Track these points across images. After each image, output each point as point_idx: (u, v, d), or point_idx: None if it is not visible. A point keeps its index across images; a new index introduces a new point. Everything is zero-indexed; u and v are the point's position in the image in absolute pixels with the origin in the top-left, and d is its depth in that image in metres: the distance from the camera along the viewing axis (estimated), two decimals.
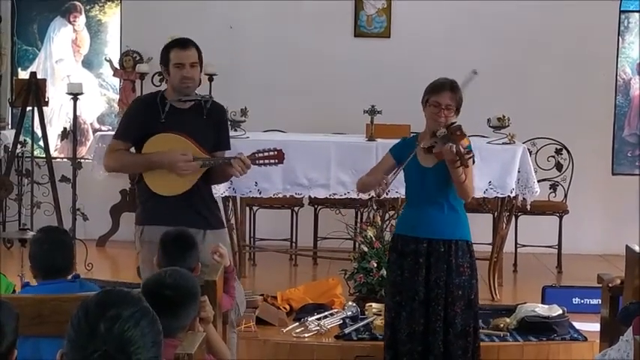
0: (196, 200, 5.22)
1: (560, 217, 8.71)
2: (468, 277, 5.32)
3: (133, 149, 5.34)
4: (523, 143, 7.71)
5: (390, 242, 5.72)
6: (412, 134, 6.24)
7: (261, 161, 5.24)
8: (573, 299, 6.97)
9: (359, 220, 8.32)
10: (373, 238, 7.07)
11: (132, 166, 5.50)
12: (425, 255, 5.29)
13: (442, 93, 5.26)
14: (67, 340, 2.13)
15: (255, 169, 5.35)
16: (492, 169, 7.09)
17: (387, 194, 5.52)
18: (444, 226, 5.31)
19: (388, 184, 5.22)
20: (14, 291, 4.96)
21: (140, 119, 5.28)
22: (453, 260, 5.28)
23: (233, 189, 7.24)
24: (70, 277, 4.37)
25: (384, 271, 6.86)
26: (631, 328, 4.23)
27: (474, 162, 5.30)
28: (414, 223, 5.35)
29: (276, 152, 5.24)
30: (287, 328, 6.29)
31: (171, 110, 5.22)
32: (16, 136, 8.75)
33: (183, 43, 5.27)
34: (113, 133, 9.32)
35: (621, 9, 9.60)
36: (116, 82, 9.80)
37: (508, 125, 7.57)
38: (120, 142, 5.35)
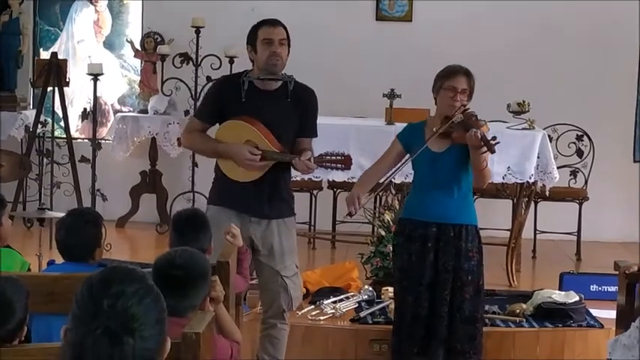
0: (264, 189, 5.15)
1: (580, 204, 8.66)
2: (476, 262, 5.29)
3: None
4: (544, 129, 7.67)
5: (397, 227, 5.69)
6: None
7: (328, 164, 5.17)
8: (591, 286, 6.93)
9: (377, 204, 8.30)
10: (391, 222, 7.05)
11: (202, 150, 5.50)
12: (434, 239, 5.27)
13: (457, 77, 5.25)
14: (71, 316, 2.14)
15: None
16: (511, 155, 7.04)
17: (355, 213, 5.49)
18: (454, 211, 5.28)
19: (360, 206, 5.28)
20: (29, 270, 4.98)
21: (219, 99, 5.22)
22: (462, 245, 5.25)
23: None
24: (94, 262, 4.38)
25: None
26: None
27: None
28: (422, 208, 5.31)
29: (343, 157, 5.16)
30: (302, 311, 6.28)
31: (252, 91, 5.14)
32: (37, 116, 8.79)
33: (272, 21, 5.20)
34: (133, 114, 9.49)
35: None
36: (137, 63, 9.80)
37: (528, 110, 7.52)
38: (197, 122, 5.32)
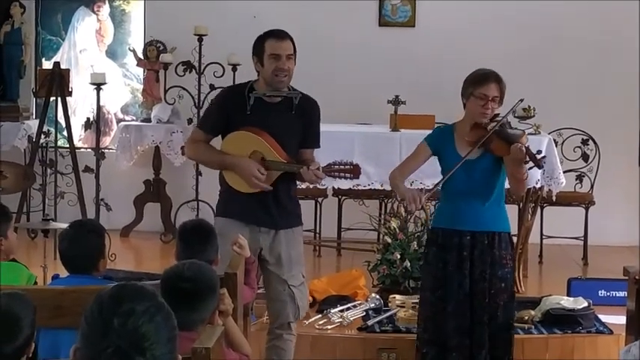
0: (270, 200, 5.11)
1: (587, 208, 8.63)
2: (510, 269, 5.27)
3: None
4: (549, 134, 7.63)
5: (426, 235, 5.65)
6: (441, 124, 6.15)
7: (337, 174, 5.12)
8: (599, 292, 6.89)
9: (383, 211, 8.27)
10: (397, 230, 7.02)
11: (207, 162, 5.47)
12: (469, 248, 5.21)
13: (488, 84, 5.15)
14: (80, 334, 2.11)
15: None
16: None
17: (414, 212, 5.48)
18: (487, 218, 5.23)
19: (423, 203, 5.20)
20: (36, 283, 4.95)
21: (224, 111, 5.17)
22: (496, 252, 5.21)
23: None
24: (100, 275, 4.35)
25: (407, 263, 6.82)
26: None
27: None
28: (456, 216, 5.25)
29: (352, 167, 5.10)
30: (310, 320, 6.25)
31: (257, 104, 5.10)
32: (40, 126, 8.77)
33: (279, 34, 5.12)
34: (137, 123, 9.47)
35: None
36: (140, 72, 9.78)
37: (534, 115, 7.51)
38: (201, 133, 5.28)
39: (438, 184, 5.29)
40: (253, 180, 5.01)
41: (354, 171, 5.11)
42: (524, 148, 4.98)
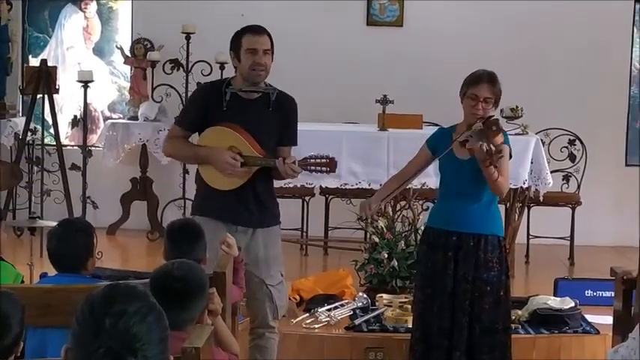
0: (247, 197, 5.10)
1: (573, 209, 8.65)
2: (497, 272, 5.23)
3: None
4: (536, 134, 7.65)
5: (422, 234, 5.66)
6: (428, 124, 6.16)
7: (312, 167, 5.09)
8: (586, 292, 6.91)
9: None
10: (384, 229, 7.02)
11: (183, 157, 5.48)
12: (454, 248, 5.22)
13: (480, 85, 5.16)
14: (71, 335, 2.10)
15: None
16: None
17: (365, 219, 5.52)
18: (475, 220, 5.22)
19: (372, 213, 5.37)
20: (23, 282, 4.93)
21: (201, 107, 5.17)
22: (482, 255, 5.20)
23: None
24: (88, 274, 4.33)
25: (394, 262, 6.83)
26: (638, 325, 4.18)
27: (510, 157, 5.24)
28: (445, 216, 5.28)
29: (328, 160, 5.07)
30: (297, 319, 6.25)
31: (234, 100, 5.09)
32: (27, 123, 8.73)
33: (256, 29, 5.11)
34: (123, 121, 9.44)
35: None
36: (127, 69, 9.76)
37: (521, 116, 7.52)
38: (178, 129, 5.27)
39: (399, 187, 5.36)
40: (227, 167, 5.00)
41: (330, 164, 5.08)
42: (485, 147, 4.93)
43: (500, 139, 5.10)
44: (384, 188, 5.51)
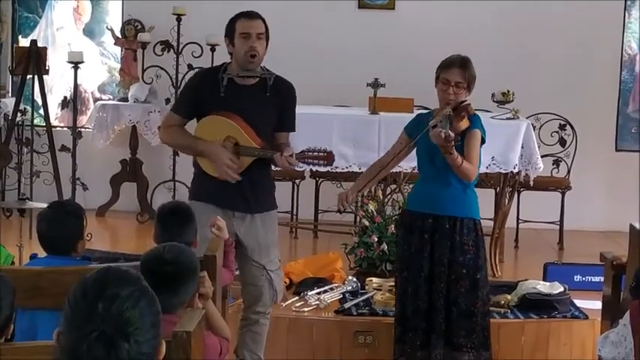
0: (244, 184, 5.08)
1: (563, 193, 8.66)
2: (472, 255, 5.24)
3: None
4: (527, 118, 7.64)
5: (399, 217, 5.67)
6: (427, 111, 6.13)
7: (310, 160, 5.12)
8: (575, 276, 6.93)
9: (360, 194, 8.25)
10: (374, 213, 7.03)
11: (180, 147, 5.49)
12: (430, 231, 5.24)
13: (451, 70, 5.17)
14: (63, 318, 2.09)
15: None
16: (495, 145, 6.98)
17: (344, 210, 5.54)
18: (450, 203, 5.23)
19: (349, 203, 5.36)
20: (13, 263, 4.92)
21: (197, 93, 5.16)
22: (457, 238, 5.21)
23: None
24: (78, 256, 4.33)
25: (384, 246, 6.83)
26: (628, 312, 4.20)
27: (483, 141, 5.23)
28: (421, 199, 5.30)
29: (325, 154, 5.09)
30: (286, 303, 6.25)
31: (231, 86, 5.08)
32: (16, 104, 8.69)
33: (249, 14, 5.11)
34: (114, 102, 9.42)
35: None
36: (117, 51, 9.72)
37: (512, 100, 7.51)
38: (175, 117, 5.25)
39: (377, 175, 5.44)
40: (225, 169, 5.00)
41: (328, 158, 5.10)
42: (443, 133, 4.86)
43: (464, 124, 5.07)
44: (362, 178, 5.51)
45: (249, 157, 5.04)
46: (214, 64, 5.57)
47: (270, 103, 5.12)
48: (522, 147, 7.12)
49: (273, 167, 5.31)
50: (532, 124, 7.53)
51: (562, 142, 9.02)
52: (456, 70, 5.17)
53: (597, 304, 5.67)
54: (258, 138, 5.06)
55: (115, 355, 2.03)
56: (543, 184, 8.39)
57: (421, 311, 5.24)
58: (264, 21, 5.12)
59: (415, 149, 5.34)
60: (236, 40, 5.06)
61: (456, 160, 5.01)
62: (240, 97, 5.08)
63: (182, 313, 3.13)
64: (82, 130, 9.50)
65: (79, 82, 8.96)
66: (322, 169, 6.36)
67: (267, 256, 5.21)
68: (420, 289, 5.24)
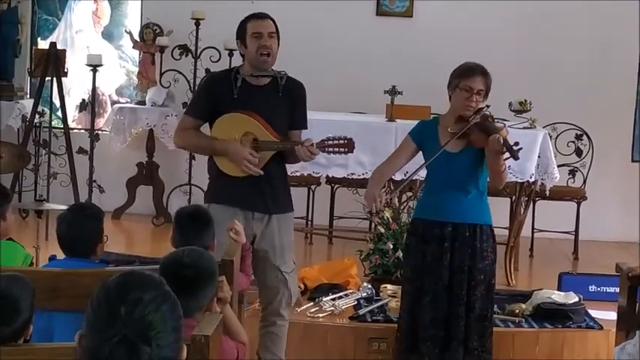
0: (263, 184, 5.10)
1: (579, 203, 8.64)
2: (490, 261, 5.26)
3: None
4: (543, 128, 7.64)
5: (408, 226, 5.66)
6: (432, 116, 6.17)
7: (331, 149, 5.12)
8: (590, 287, 6.91)
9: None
10: (390, 220, 7.03)
11: (197, 148, 5.50)
12: (450, 239, 5.23)
13: (474, 77, 5.16)
14: (85, 322, 2.10)
15: None
16: None
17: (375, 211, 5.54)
18: (470, 210, 5.23)
19: (382, 203, 5.28)
20: (32, 263, 4.95)
21: (211, 96, 5.18)
22: (477, 245, 5.21)
23: None
24: (97, 259, 4.35)
25: (400, 253, 6.82)
26: None
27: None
28: (438, 207, 5.26)
29: (346, 141, 5.10)
30: (301, 308, 6.26)
31: (244, 86, 5.11)
32: (35, 106, 8.74)
33: (259, 14, 5.17)
34: (131, 105, 9.45)
35: None
36: (136, 54, 9.75)
37: (529, 109, 7.51)
38: (190, 120, 5.26)
39: (410, 176, 5.38)
40: (245, 163, 5.01)
41: (348, 145, 5.12)
42: (501, 139, 4.98)
43: (505, 132, 5.12)
44: (378, 179, 5.42)
45: (268, 151, 5.06)
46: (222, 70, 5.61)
47: (282, 103, 5.16)
48: (539, 156, 7.12)
49: (289, 166, 5.34)
50: (548, 134, 7.53)
51: (578, 152, 9.02)
52: (478, 78, 5.17)
53: (612, 315, 5.66)
54: (275, 132, 5.10)
55: (136, 358, 2.04)
56: (559, 194, 8.38)
57: (440, 320, 5.23)
58: (273, 21, 5.17)
59: (422, 157, 5.34)
60: (248, 41, 5.10)
61: (502, 166, 5.08)
62: (253, 97, 5.12)
63: (200, 318, 3.15)
64: (100, 132, 9.55)
65: (97, 84, 8.99)
66: (340, 169, 6.37)
67: (282, 257, 5.22)
68: (439, 298, 5.22)
